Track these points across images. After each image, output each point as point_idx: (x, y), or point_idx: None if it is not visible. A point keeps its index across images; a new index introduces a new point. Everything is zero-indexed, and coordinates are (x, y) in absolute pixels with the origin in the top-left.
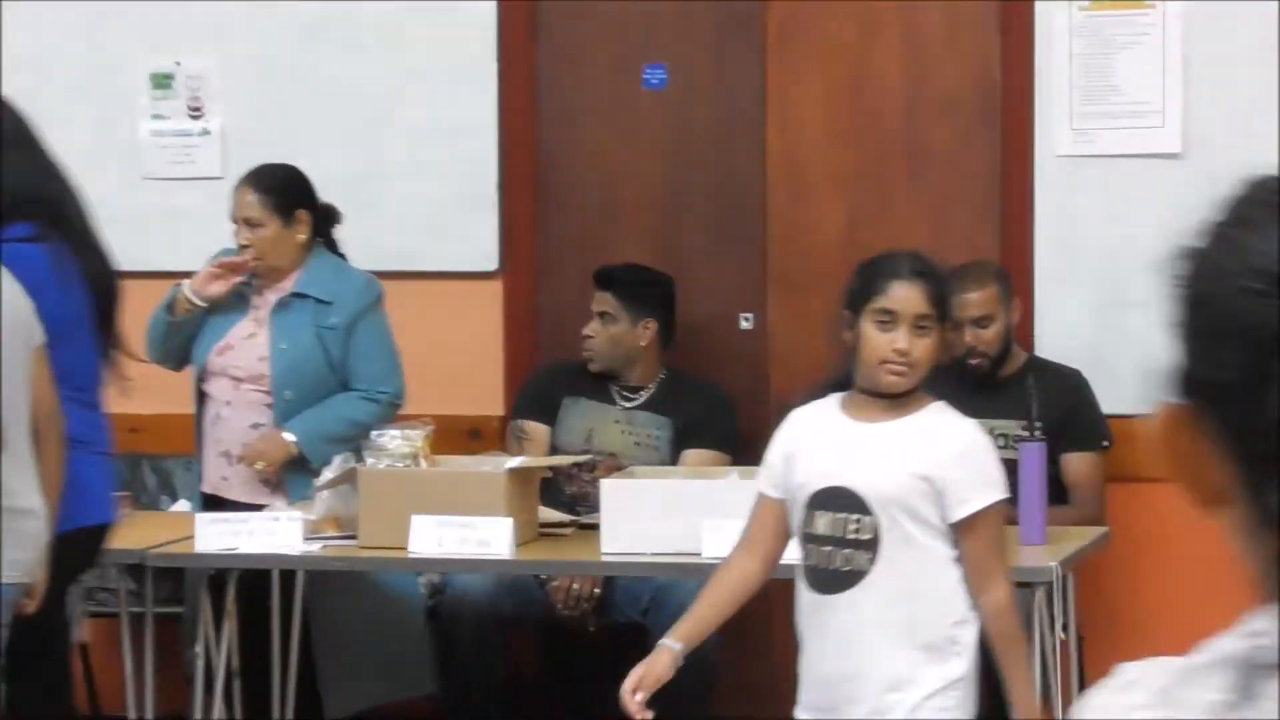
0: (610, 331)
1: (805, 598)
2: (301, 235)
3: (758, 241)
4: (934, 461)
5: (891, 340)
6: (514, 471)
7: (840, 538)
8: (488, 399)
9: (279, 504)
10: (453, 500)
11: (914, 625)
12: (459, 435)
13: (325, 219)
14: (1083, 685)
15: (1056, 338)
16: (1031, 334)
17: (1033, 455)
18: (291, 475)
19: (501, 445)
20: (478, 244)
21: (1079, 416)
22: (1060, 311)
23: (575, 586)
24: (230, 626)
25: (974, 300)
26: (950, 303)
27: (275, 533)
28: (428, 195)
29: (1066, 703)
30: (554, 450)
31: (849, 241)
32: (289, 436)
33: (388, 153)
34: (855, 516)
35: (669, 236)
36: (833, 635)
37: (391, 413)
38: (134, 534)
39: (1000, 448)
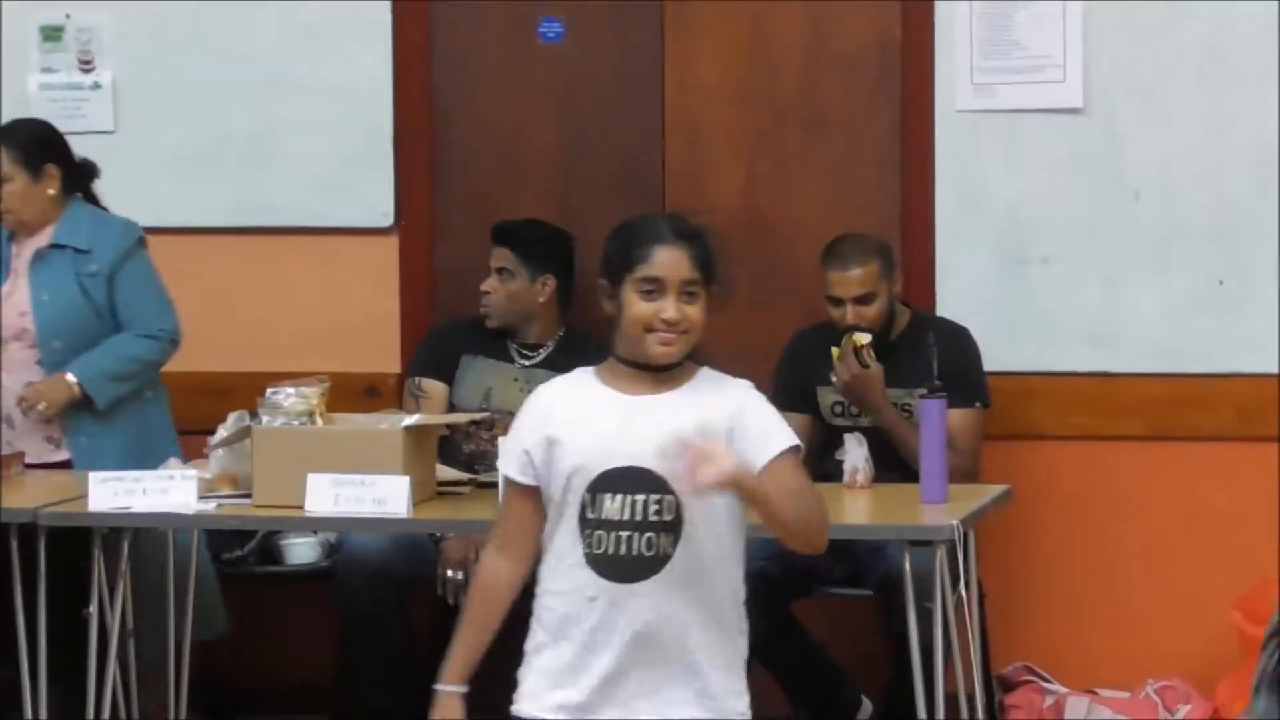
0: (508, 288)
1: (589, 588)
2: (51, 189)
3: (656, 200)
4: (721, 426)
5: (659, 309)
6: (411, 429)
7: (641, 520)
8: (384, 356)
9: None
10: (349, 458)
11: (713, 606)
12: (355, 393)
13: (83, 174)
14: (984, 643)
15: (957, 294)
16: (932, 291)
17: (933, 411)
18: (71, 431)
19: (398, 403)
20: (373, 200)
21: (962, 373)
22: (961, 268)
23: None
24: (124, 586)
25: (854, 278)
26: (714, 264)
27: (169, 491)
28: (322, 151)
29: (967, 661)
30: (452, 408)
31: (748, 200)
32: (70, 377)
33: (282, 109)
34: (656, 497)
35: (567, 194)
36: (627, 625)
37: (172, 349)
38: (25, 493)
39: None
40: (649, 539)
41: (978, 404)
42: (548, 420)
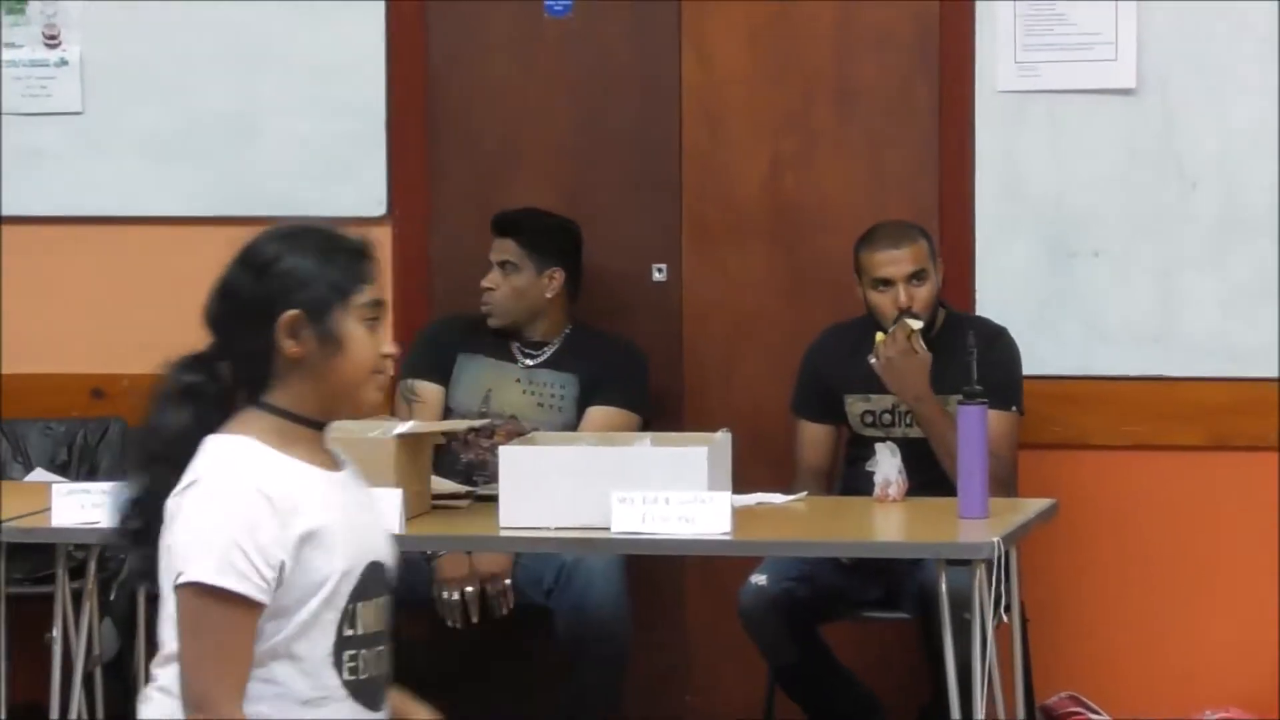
0: (513, 282)
1: None
2: None
3: (673, 187)
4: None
5: (382, 341)
6: (404, 437)
7: (385, 629)
8: None
9: None
10: None
11: None
12: None
13: None
14: (1027, 670)
15: (998, 291)
16: (971, 287)
17: (972, 418)
18: None
19: (390, 408)
20: (364, 187)
21: (1000, 376)
22: (1002, 263)
23: (482, 589)
24: (91, 607)
25: (907, 255)
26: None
27: None
28: (309, 134)
29: (1009, 691)
30: (448, 413)
31: (773, 188)
32: None
33: (266, 88)
34: (386, 598)
35: (575, 181)
36: None
37: None
38: None
39: (909, 426)
40: (383, 651)
41: (1014, 409)
42: (294, 510)
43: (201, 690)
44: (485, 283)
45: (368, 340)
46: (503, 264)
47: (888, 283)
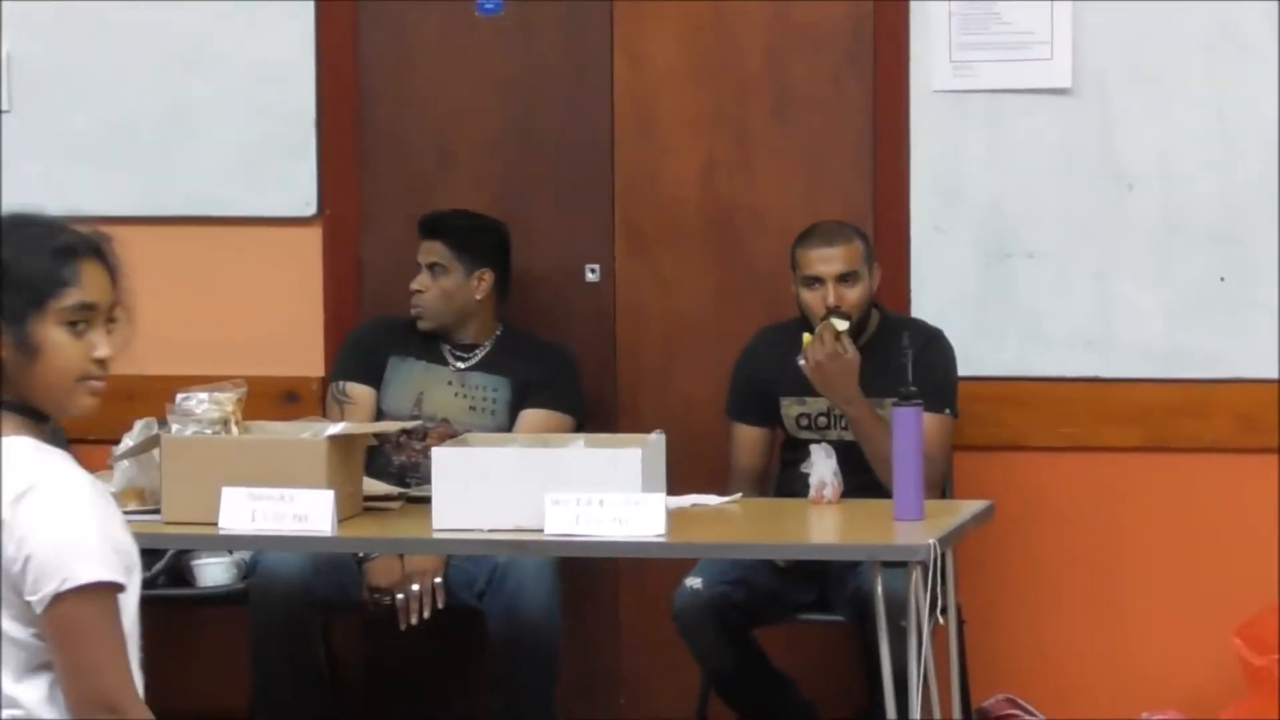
0: (442, 285)
1: None
2: None
3: (605, 187)
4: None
5: (91, 346)
6: (335, 439)
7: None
8: (306, 358)
9: None
10: (267, 471)
11: None
12: (274, 398)
13: None
14: (964, 672)
15: (934, 292)
16: (907, 289)
17: (908, 419)
18: None
19: (321, 410)
20: (294, 188)
21: (934, 377)
22: (938, 264)
23: (415, 588)
24: None
25: (838, 254)
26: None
27: None
28: (238, 134)
29: (945, 692)
30: (380, 415)
31: (706, 189)
32: None
33: (195, 88)
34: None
35: (508, 181)
36: None
37: None
38: None
39: (844, 430)
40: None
41: (948, 411)
42: (120, 520)
43: (112, 695)
44: (414, 285)
45: (72, 346)
46: (431, 266)
47: (819, 280)
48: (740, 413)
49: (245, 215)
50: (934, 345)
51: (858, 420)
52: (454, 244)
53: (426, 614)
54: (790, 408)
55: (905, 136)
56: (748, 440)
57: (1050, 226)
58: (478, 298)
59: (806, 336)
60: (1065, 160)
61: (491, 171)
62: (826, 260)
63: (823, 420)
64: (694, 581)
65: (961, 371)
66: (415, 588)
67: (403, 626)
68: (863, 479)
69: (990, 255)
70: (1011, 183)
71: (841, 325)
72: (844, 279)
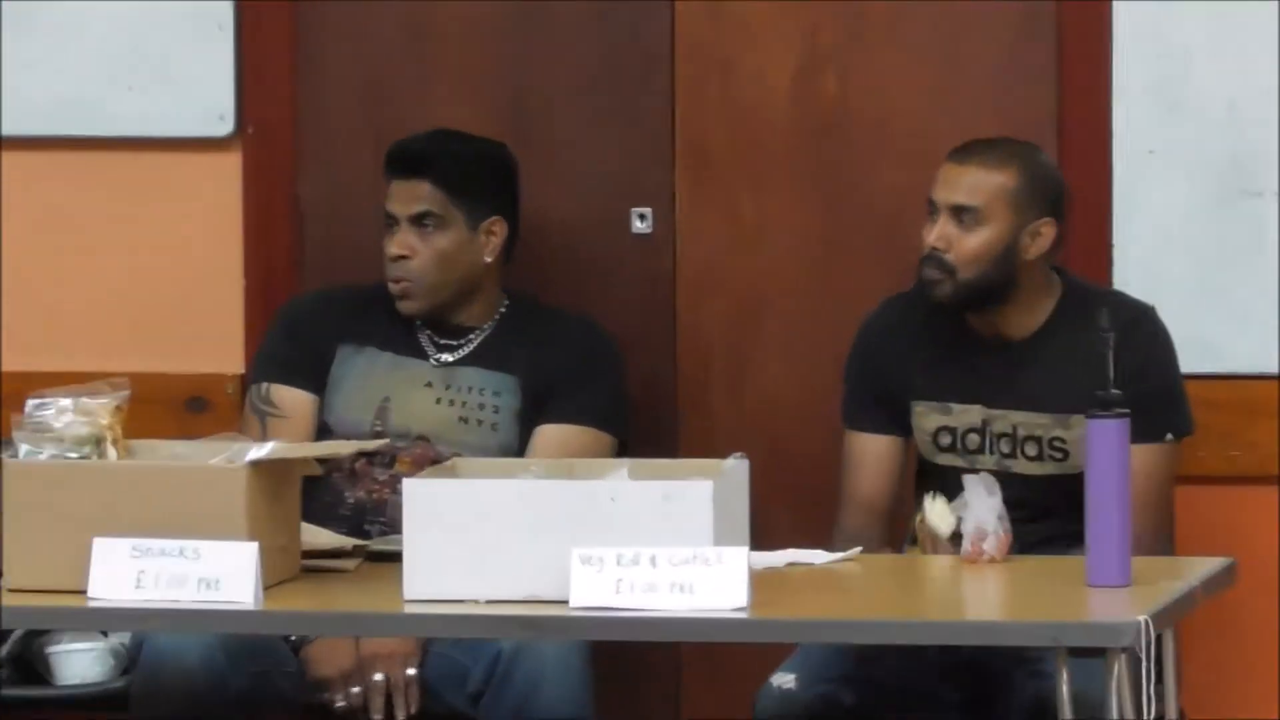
0: (436, 245)
1: None
2: None
3: (661, 97)
4: None
5: None
6: (261, 466)
7: None
8: (217, 348)
9: None
10: (161, 514)
11: None
12: (171, 406)
13: None
14: None
15: (1145, 248)
16: (1106, 241)
17: (1109, 438)
18: None
19: (239, 424)
20: (200, 94)
21: (1145, 381)
22: (1154, 204)
23: (378, 678)
24: None
25: (959, 176)
26: None
27: None
28: (119, 22)
29: None
30: (325, 433)
31: (806, 96)
32: None
33: None
34: None
35: (512, 84)
36: None
37: None
38: None
39: (1007, 456)
40: None
41: (1169, 436)
42: None
43: None
44: (393, 248)
45: None
46: (418, 219)
47: (933, 208)
48: (859, 418)
49: (128, 135)
50: (1140, 332)
51: None
52: (449, 183)
53: (403, 718)
54: (926, 417)
55: (1106, 18)
56: (870, 457)
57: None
58: (487, 259)
59: (918, 517)
60: None
61: (490, 70)
62: (947, 183)
63: (974, 439)
64: (785, 679)
65: (1185, 365)
66: (379, 678)
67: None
68: (1050, 518)
69: (1227, 194)
70: (1256, 87)
71: (942, 526)
72: (959, 214)
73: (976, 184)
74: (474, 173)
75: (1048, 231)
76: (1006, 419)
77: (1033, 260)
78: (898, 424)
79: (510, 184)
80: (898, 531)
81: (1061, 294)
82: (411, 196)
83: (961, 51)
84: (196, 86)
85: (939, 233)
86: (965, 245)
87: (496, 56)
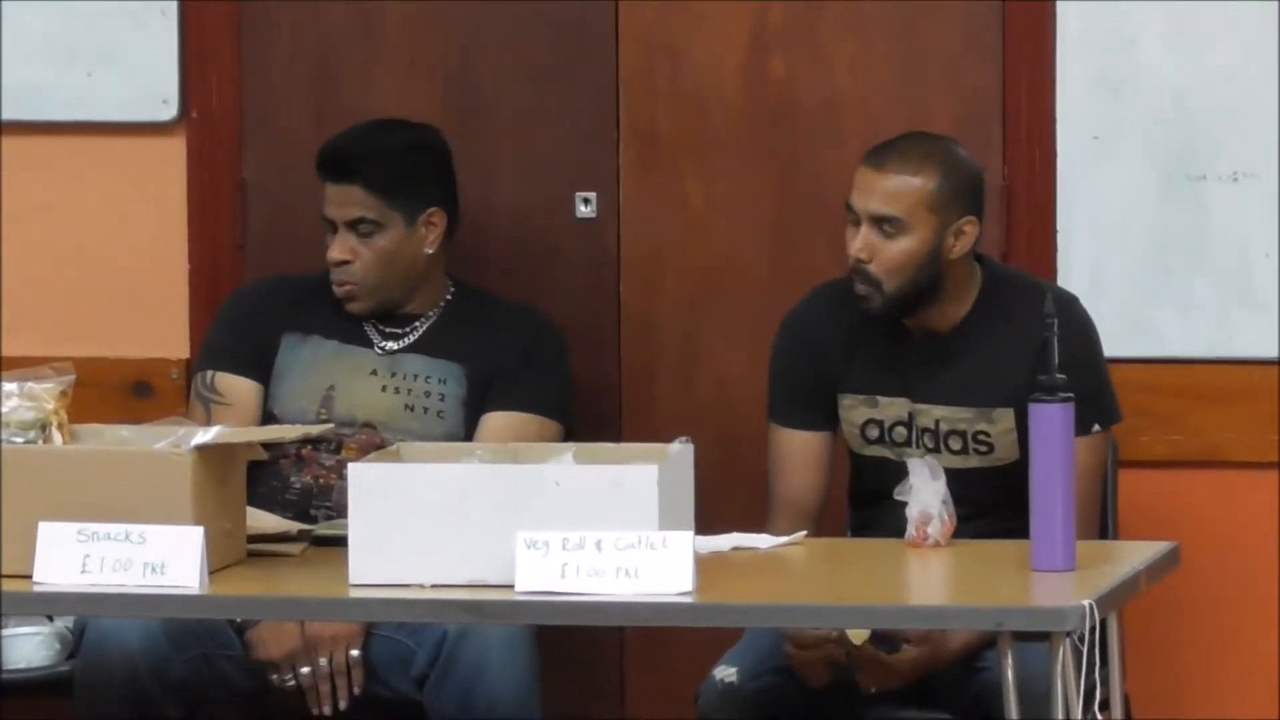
0: (377, 246)
1: None
2: None
3: (605, 77)
4: None
5: None
6: (206, 451)
7: None
8: (162, 333)
9: None
10: (106, 498)
11: None
12: (116, 391)
13: None
14: None
15: (1092, 231)
16: (1051, 224)
17: (1053, 423)
18: None
19: (184, 409)
20: (144, 77)
21: (1072, 373)
22: (1099, 189)
23: (322, 662)
24: None
25: (876, 183)
26: None
27: None
28: (75, 13)
29: None
30: (270, 420)
31: (754, 77)
32: None
33: None
34: None
35: (456, 62)
36: None
37: None
38: None
39: (932, 450)
40: None
41: (1096, 428)
42: None
43: None
44: (334, 253)
45: None
46: (356, 224)
47: (853, 215)
48: (786, 413)
49: (72, 120)
50: (1061, 324)
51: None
52: (381, 185)
53: (342, 704)
54: (853, 409)
55: (1051, 4)
56: (798, 455)
57: (1261, 139)
58: (428, 251)
59: (851, 634)
60: None
61: (434, 53)
62: (865, 190)
63: (900, 432)
64: (727, 673)
65: (1129, 350)
66: (323, 662)
67: (317, 713)
68: (980, 516)
69: (1173, 177)
70: (1201, 74)
71: (861, 635)
72: (880, 223)
73: (895, 191)
74: (406, 170)
75: (970, 230)
76: (930, 414)
77: (957, 259)
78: (826, 418)
79: (445, 171)
80: (827, 532)
81: (982, 284)
82: (346, 201)
83: (909, 36)
84: (140, 71)
85: (861, 243)
86: (889, 255)
87: (442, 40)
